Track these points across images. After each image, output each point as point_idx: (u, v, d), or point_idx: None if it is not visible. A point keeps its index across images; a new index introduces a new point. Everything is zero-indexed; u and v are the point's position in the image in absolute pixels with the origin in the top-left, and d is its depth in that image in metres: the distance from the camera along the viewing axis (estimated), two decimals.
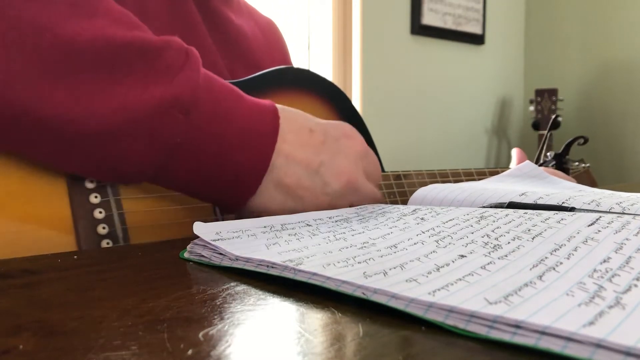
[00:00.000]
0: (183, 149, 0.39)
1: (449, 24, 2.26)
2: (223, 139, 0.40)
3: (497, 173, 0.79)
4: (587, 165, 1.02)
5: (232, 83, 0.57)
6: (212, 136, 0.40)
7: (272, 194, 0.43)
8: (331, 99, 0.66)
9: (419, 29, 2.17)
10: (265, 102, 0.44)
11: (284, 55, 0.78)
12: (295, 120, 0.45)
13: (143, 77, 0.37)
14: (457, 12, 2.29)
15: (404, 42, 2.18)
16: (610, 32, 2.35)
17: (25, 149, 0.38)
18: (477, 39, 2.40)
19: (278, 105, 0.45)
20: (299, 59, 2.02)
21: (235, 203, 0.42)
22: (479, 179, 0.75)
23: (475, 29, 2.38)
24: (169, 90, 0.38)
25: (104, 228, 0.41)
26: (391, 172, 0.66)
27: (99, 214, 0.41)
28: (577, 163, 1.00)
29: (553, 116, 1.02)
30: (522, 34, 2.68)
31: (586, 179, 0.99)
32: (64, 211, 0.41)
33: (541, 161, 0.96)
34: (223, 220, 0.48)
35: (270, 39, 0.75)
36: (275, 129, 0.42)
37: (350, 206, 0.45)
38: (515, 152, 0.88)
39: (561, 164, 0.93)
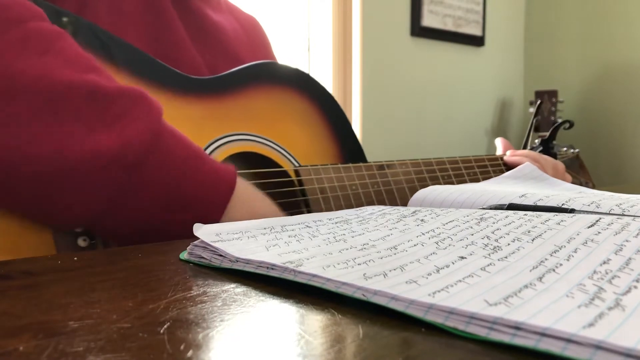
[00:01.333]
0: (124, 203, 0.37)
1: (449, 25, 2.27)
2: (169, 199, 0.39)
3: (482, 161, 0.78)
4: (577, 150, 1.02)
5: (210, 78, 0.57)
6: (156, 197, 0.38)
7: (238, 215, 0.43)
8: (310, 92, 0.65)
9: (419, 30, 2.18)
10: (226, 172, 0.42)
11: (266, 52, 0.77)
12: (247, 203, 0.44)
13: (88, 123, 0.35)
14: (457, 13, 2.29)
15: (403, 43, 2.18)
16: (610, 33, 2.35)
17: None
18: (477, 41, 2.40)
19: (238, 181, 0.43)
20: (298, 61, 2.02)
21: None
22: (464, 167, 0.75)
23: (475, 31, 2.38)
24: (115, 142, 0.35)
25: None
26: (374, 162, 0.65)
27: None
28: (565, 148, 1.00)
29: (553, 118, 1.02)
30: (522, 36, 2.68)
31: (576, 164, 0.99)
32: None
33: (529, 147, 0.96)
34: None
35: (252, 35, 0.75)
36: (224, 204, 0.41)
37: None
38: (499, 141, 0.88)
39: (548, 149, 0.93)
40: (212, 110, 0.56)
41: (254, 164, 0.59)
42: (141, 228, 0.39)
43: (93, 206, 0.37)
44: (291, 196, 0.57)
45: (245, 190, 0.45)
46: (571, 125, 0.93)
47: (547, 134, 0.93)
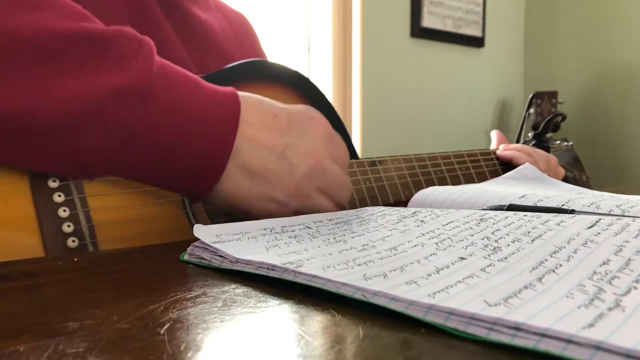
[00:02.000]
0: (140, 138, 0.38)
1: (449, 26, 2.27)
2: (181, 126, 0.39)
3: (474, 155, 0.78)
4: (570, 143, 1.02)
5: (202, 77, 0.57)
6: (169, 124, 0.39)
7: (238, 179, 0.42)
8: (300, 89, 0.64)
9: (419, 31, 2.18)
10: (225, 88, 0.43)
11: (255, 49, 0.77)
12: (258, 105, 0.44)
13: (94, 66, 0.37)
14: (456, 14, 2.29)
15: (403, 44, 2.18)
16: (609, 35, 2.35)
17: None
18: (477, 42, 2.41)
19: (239, 92, 0.44)
20: (298, 62, 2.02)
21: (200, 191, 0.42)
22: (456, 162, 0.74)
23: (475, 32, 2.38)
24: (122, 78, 0.37)
25: (69, 226, 0.41)
26: (365, 158, 0.64)
27: (63, 212, 0.41)
28: (559, 142, 1.00)
29: (548, 118, 1.02)
30: (522, 37, 2.68)
31: (569, 156, 0.99)
32: (27, 211, 0.40)
33: (522, 141, 0.96)
34: (192, 212, 0.48)
35: (241, 33, 0.75)
36: (235, 114, 0.41)
37: (317, 190, 0.44)
38: (494, 134, 0.88)
39: (541, 142, 0.93)
40: None
41: None
42: (159, 163, 0.40)
43: (113, 143, 0.38)
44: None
45: (249, 95, 0.45)
46: (563, 118, 0.93)
47: (540, 127, 0.93)
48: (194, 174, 0.40)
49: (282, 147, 0.42)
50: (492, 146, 0.85)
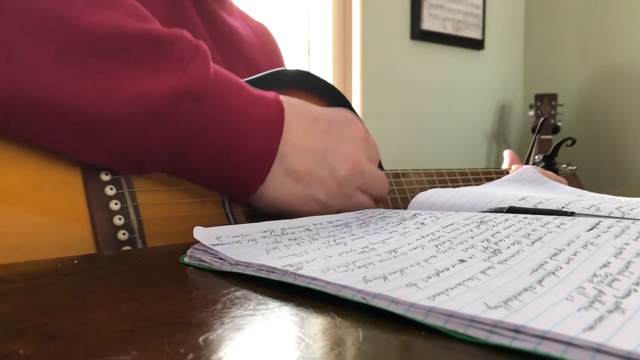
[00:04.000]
0: (196, 137, 0.40)
1: (449, 29, 2.27)
2: (232, 128, 0.41)
3: (489, 174, 0.80)
4: (574, 168, 1.03)
5: None
6: (222, 125, 0.41)
7: (282, 182, 0.44)
8: (332, 100, 0.66)
9: (419, 34, 2.18)
10: (269, 93, 0.45)
11: (277, 59, 0.79)
12: (299, 109, 0.46)
13: (157, 66, 0.39)
14: (456, 17, 2.29)
15: (403, 47, 2.18)
16: (609, 37, 2.35)
17: (44, 136, 0.38)
18: (476, 44, 2.41)
19: (281, 96, 0.46)
20: (298, 64, 2.02)
21: (245, 192, 0.44)
22: (473, 179, 0.77)
23: (475, 34, 2.38)
24: (182, 79, 0.39)
25: (120, 219, 0.42)
26: (390, 170, 0.67)
27: (114, 205, 0.42)
28: (564, 165, 1.01)
29: (540, 121, 1.02)
30: (521, 39, 2.68)
31: (573, 182, 1.00)
32: (79, 203, 0.41)
33: (531, 163, 0.97)
34: (232, 213, 0.49)
35: (264, 42, 0.76)
36: (280, 118, 0.44)
37: (357, 189, 0.47)
38: (507, 154, 0.89)
39: (550, 165, 0.94)
40: None
41: None
42: (210, 163, 0.42)
43: (171, 141, 0.39)
44: None
45: (291, 101, 0.47)
46: (573, 142, 0.94)
47: (550, 150, 0.94)
48: (241, 176, 0.43)
49: (323, 150, 0.45)
50: (504, 166, 0.86)
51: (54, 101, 0.36)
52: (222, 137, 0.41)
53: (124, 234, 0.41)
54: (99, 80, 0.37)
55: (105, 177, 0.42)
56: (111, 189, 0.42)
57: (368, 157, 0.48)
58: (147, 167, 0.41)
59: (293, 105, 0.46)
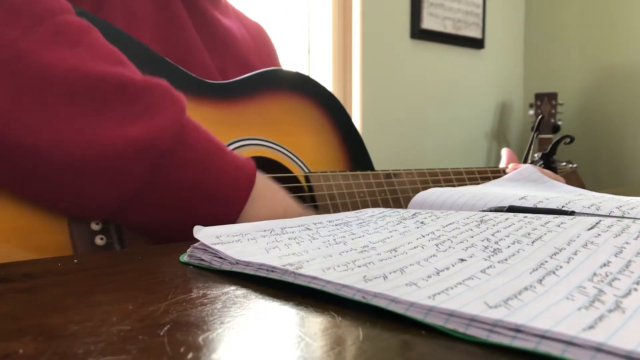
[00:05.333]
0: (149, 194, 0.38)
1: (449, 28, 2.27)
2: (192, 192, 0.40)
3: (485, 173, 0.79)
4: (575, 165, 1.03)
5: (224, 83, 0.58)
6: (181, 187, 0.39)
7: None
8: (327, 106, 0.67)
9: (419, 33, 2.18)
10: (244, 165, 0.44)
11: (272, 59, 0.78)
12: (268, 196, 0.45)
13: (119, 114, 0.37)
14: (456, 16, 2.29)
15: (403, 46, 2.18)
16: (610, 36, 2.35)
17: None
18: (476, 43, 2.41)
19: (259, 176, 0.44)
20: (298, 63, 2.02)
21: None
22: (468, 178, 0.76)
23: (475, 33, 2.38)
24: (144, 133, 0.37)
25: (97, 224, 0.41)
26: (381, 170, 0.67)
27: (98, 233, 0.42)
28: (564, 163, 1.01)
29: (538, 119, 1.02)
30: (521, 38, 2.68)
31: (574, 179, 1.00)
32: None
33: (529, 161, 0.97)
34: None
35: (259, 42, 0.76)
36: (245, 198, 0.43)
37: None
38: (504, 152, 0.89)
39: (548, 163, 0.94)
40: (225, 115, 0.57)
41: (265, 169, 0.60)
42: (160, 223, 0.40)
43: (118, 196, 0.38)
44: (301, 202, 0.58)
45: (265, 186, 0.46)
46: (572, 140, 0.94)
47: (548, 148, 0.94)
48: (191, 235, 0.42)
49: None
50: (502, 164, 0.86)
51: (1, 139, 0.34)
52: (179, 199, 0.39)
53: (101, 238, 0.41)
54: (51, 123, 0.35)
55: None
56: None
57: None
58: (90, 216, 0.40)
59: (262, 190, 0.44)
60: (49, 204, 0.39)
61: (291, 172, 0.61)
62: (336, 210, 0.60)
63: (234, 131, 0.57)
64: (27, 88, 0.34)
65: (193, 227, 0.40)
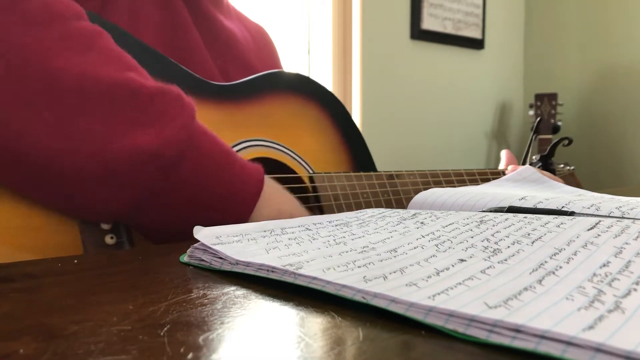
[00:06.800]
0: (159, 200, 0.38)
1: (449, 28, 2.27)
2: (202, 197, 0.40)
3: (485, 174, 0.80)
4: (572, 167, 1.03)
5: (228, 85, 0.58)
6: (189, 196, 0.39)
7: None
8: (329, 106, 0.67)
9: (419, 33, 2.18)
10: (253, 169, 0.44)
11: (274, 61, 0.79)
12: (275, 201, 0.45)
13: (131, 121, 0.36)
14: (456, 16, 2.29)
15: (403, 46, 2.18)
16: (609, 36, 2.35)
17: (2, 177, 0.37)
18: (476, 44, 2.41)
19: (266, 180, 0.45)
20: (298, 64, 2.02)
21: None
22: (468, 179, 0.77)
23: (475, 34, 2.38)
24: (154, 140, 0.37)
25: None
26: (384, 172, 0.67)
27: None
28: (562, 165, 1.01)
29: (537, 121, 1.02)
30: (521, 39, 2.68)
31: (571, 181, 1.00)
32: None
33: (528, 163, 0.97)
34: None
35: (260, 44, 0.76)
36: (254, 202, 0.43)
37: None
38: (504, 154, 0.89)
39: (547, 165, 0.94)
40: (229, 116, 0.57)
41: (270, 170, 0.61)
42: (170, 226, 0.40)
43: (128, 201, 0.38)
44: (305, 202, 0.58)
45: (272, 188, 0.46)
46: (570, 141, 0.94)
47: (546, 150, 0.94)
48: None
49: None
50: (501, 166, 0.86)
51: (13, 145, 0.34)
52: (188, 207, 0.39)
53: (111, 237, 0.41)
54: (62, 129, 0.35)
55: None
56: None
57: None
58: (97, 220, 0.40)
59: (270, 194, 0.45)
60: (60, 208, 0.39)
61: (295, 173, 0.61)
62: (340, 210, 0.60)
63: (238, 132, 0.57)
64: (38, 94, 0.34)
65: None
